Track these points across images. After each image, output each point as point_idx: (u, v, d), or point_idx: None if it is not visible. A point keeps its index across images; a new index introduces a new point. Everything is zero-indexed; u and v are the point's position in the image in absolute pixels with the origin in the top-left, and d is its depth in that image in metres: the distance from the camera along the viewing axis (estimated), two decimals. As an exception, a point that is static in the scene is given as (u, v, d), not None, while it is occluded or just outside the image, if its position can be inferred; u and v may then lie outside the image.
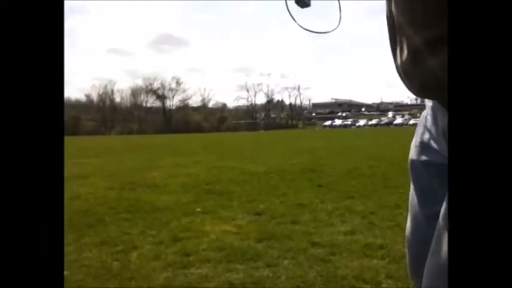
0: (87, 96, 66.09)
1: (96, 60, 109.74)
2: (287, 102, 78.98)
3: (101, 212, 4.23)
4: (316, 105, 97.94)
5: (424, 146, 0.78)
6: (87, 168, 8.85)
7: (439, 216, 0.65)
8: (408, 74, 0.69)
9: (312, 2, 0.85)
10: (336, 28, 0.82)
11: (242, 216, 3.95)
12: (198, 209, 4.30)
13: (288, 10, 0.80)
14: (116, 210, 4.31)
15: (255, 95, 74.65)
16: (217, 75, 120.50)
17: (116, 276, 2.42)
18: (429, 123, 0.76)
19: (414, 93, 0.73)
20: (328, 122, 73.92)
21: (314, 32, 0.86)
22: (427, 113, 0.79)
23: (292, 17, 0.80)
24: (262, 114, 75.69)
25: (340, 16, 0.81)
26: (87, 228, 3.60)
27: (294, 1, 0.80)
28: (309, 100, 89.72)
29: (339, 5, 0.81)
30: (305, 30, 0.85)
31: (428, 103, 0.77)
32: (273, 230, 3.40)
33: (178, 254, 2.84)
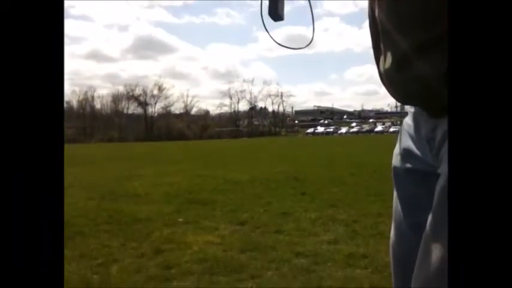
0: (67, 103, 64.61)
1: (76, 65, 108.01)
2: (270, 109, 79.42)
3: (80, 224, 4.12)
4: (298, 113, 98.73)
5: (407, 153, 0.77)
6: (66, 177, 8.55)
7: (423, 224, 0.64)
8: (393, 81, 0.69)
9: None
10: (308, 45, 0.82)
11: (225, 226, 3.92)
12: (180, 220, 4.24)
13: (264, 26, 0.79)
14: (96, 222, 4.21)
15: (238, 102, 74.52)
16: (200, 82, 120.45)
17: (96, 291, 2.35)
18: (412, 130, 0.75)
19: (398, 100, 0.72)
20: (310, 130, 74.53)
21: (287, 47, 0.86)
22: (409, 120, 0.78)
23: (268, 32, 0.80)
24: (245, 122, 75.71)
25: (313, 35, 0.81)
26: (65, 240, 3.49)
27: (267, 14, 0.80)
28: (292, 107, 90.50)
29: (313, 25, 0.81)
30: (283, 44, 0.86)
31: (411, 109, 0.77)
32: (257, 240, 3.38)
33: (160, 266, 2.78)
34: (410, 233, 0.76)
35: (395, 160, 0.81)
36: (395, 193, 0.82)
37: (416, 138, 0.74)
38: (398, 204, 0.81)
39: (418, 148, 0.74)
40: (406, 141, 0.78)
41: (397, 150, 0.81)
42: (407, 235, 0.78)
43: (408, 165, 0.77)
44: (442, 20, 0.54)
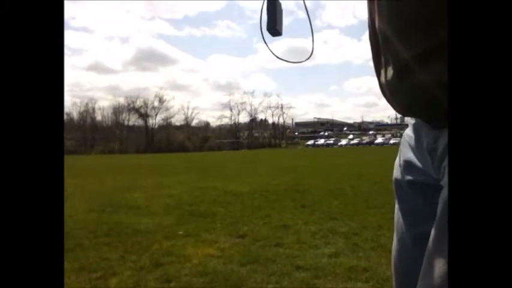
0: (68, 114, 64.80)
1: (77, 77, 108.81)
2: (270, 121, 79.60)
3: (80, 236, 4.10)
4: (299, 124, 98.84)
5: (408, 165, 0.76)
6: (66, 188, 8.61)
7: (425, 237, 0.63)
8: (395, 90, 0.68)
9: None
10: (308, 58, 0.83)
11: (225, 239, 3.90)
12: (180, 232, 4.22)
13: (264, 40, 0.81)
14: (96, 234, 4.19)
15: (238, 114, 74.76)
16: (201, 94, 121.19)
17: (94, 305, 2.33)
18: (413, 141, 0.75)
19: (399, 112, 0.72)
20: (310, 141, 74.58)
21: (287, 61, 0.87)
22: (410, 131, 0.78)
23: (268, 46, 0.81)
24: (246, 134, 75.79)
25: (313, 49, 0.82)
26: (65, 253, 3.47)
27: (266, 29, 0.81)
28: (292, 119, 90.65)
29: (312, 39, 0.82)
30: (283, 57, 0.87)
31: (411, 121, 0.77)
32: (257, 253, 3.36)
33: (160, 280, 2.76)
34: (412, 245, 0.75)
35: (396, 172, 0.80)
36: (396, 205, 0.82)
37: (417, 149, 0.73)
38: (400, 216, 0.80)
39: (419, 160, 0.73)
40: (407, 153, 0.77)
41: (398, 162, 0.80)
42: (409, 247, 0.77)
43: (409, 177, 0.76)
44: (442, 28, 0.54)
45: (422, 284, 0.63)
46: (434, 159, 0.68)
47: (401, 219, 0.80)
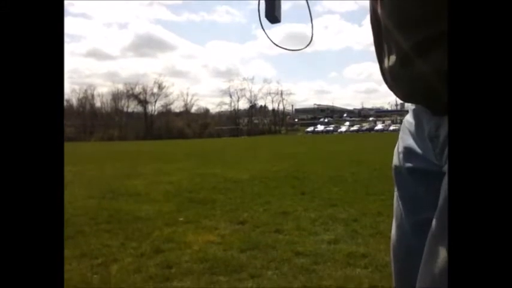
0: (67, 101, 64.49)
1: (76, 63, 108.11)
2: (270, 107, 79.39)
3: (80, 223, 4.12)
4: (299, 111, 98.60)
5: (408, 152, 0.76)
6: (66, 176, 8.62)
7: (425, 224, 0.64)
8: (397, 77, 0.68)
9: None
10: (307, 45, 0.82)
11: (225, 226, 3.92)
12: (181, 219, 4.25)
13: (262, 27, 0.79)
14: (96, 221, 4.21)
15: (238, 101, 74.51)
16: (200, 80, 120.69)
17: (96, 291, 2.35)
18: (413, 127, 0.74)
19: (401, 98, 0.71)
20: (310, 128, 74.55)
21: (286, 48, 0.86)
22: (410, 118, 0.77)
23: (266, 34, 0.80)
24: (245, 120, 75.68)
25: (312, 36, 0.81)
26: (66, 239, 3.50)
27: (264, 17, 0.79)
28: (292, 106, 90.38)
29: (312, 26, 0.81)
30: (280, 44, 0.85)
31: (411, 107, 0.76)
32: (257, 240, 3.38)
33: (160, 266, 2.78)
34: (412, 232, 0.75)
35: (396, 159, 0.80)
36: (396, 192, 0.81)
37: (417, 136, 0.73)
38: (399, 203, 0.80)
39: (419, 146, 0.72)
40: (407, 140, 0.76)
41: (397, 148, 0.80)
42: (408, 234, 0.77)
43: (409, 164, 0.75)
44: (443, 18, 0.53)
45: (423, 271, 0.63)
46: (436, 146, 0.68)
47: (400, 206, 0.79)
